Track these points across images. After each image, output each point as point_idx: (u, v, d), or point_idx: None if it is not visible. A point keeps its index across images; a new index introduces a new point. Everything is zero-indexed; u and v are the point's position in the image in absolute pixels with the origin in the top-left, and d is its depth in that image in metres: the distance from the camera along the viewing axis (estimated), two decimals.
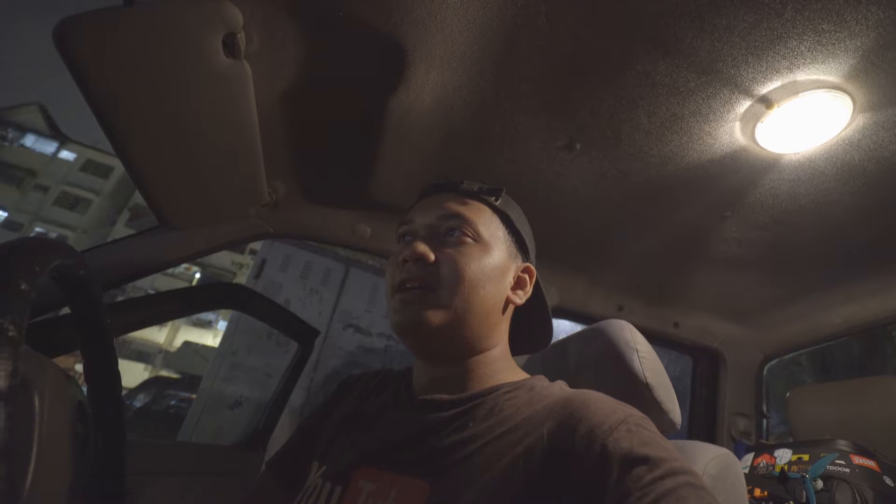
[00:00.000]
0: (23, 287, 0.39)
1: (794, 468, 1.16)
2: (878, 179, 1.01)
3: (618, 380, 0.73)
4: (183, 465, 1.26)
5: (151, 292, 1.45)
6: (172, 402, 7.57)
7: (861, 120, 0.88)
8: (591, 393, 0.55)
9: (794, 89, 0.83)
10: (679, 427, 0.76)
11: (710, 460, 0.67)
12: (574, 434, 0.49)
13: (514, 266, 0.67)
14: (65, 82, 0.68)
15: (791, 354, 1.84)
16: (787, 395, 1.57)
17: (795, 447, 1.23)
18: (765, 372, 1.83)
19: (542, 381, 0.62)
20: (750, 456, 1.33)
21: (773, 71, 0.80)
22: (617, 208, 1.25)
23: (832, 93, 0.82)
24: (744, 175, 1.06)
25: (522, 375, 0.64)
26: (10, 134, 24.09)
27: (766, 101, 0.86)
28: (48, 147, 24.86)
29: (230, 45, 0.73)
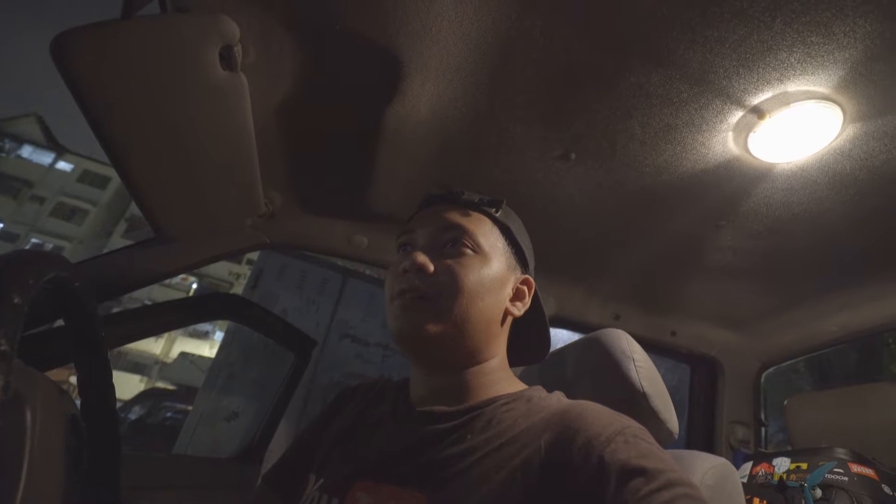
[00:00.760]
0: (16, 301, 0.39)
1: (793, 477, 1.16)
2: (869, 188, 1.02)
3: (615, 389, 0.73)
4: (179, 478, 1.24)
5: (148, 303, 1.44)
6: (168, 414, 7.49)
7: (852, 130, 0.89)
8: (589, 404, 0.55)
9: (785, 100, 0.84)
10: (676, 436, 0.76)
11: (708, 470, 0.67)
12: (571, 446, 0.48)
13: (514, 278, 0.67)
14: (62, 93, 0.68)
15: (788, 362, 1.84)
16: (786, 402, 1.57)
17: (794, 456, 1.23)
18: (762, 380, 1.83)
19: (539, 392, 0.62)
20: (748, 465, 1.32)
21: (764, 82, 0.81)
22: (613, 218, 1.26)
23: (822, 103, 0.83)
24: (737, 184, 1.07)
25: (520, 386, 0.64)
26: (7, 145, 24.10)
27: (758, 112, 0.87)
28: (45, 158, 24.86)
29: (227, 58, 0.74)
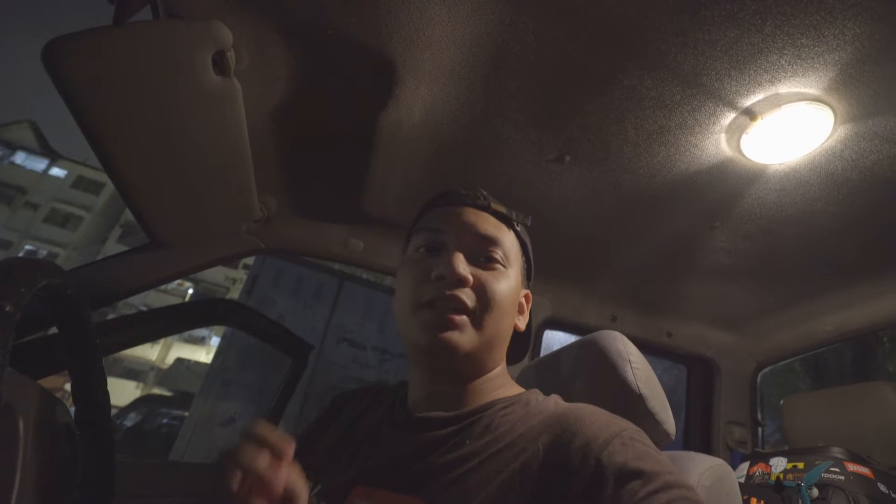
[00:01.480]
0: (7, 309, 0.39)
1: (790, 476, 1.16)
2: (861, 188, 1.03)
3: (611, 391, 0.73)
4: (175, 486, 1.23)
5: (144, 309, 1.43)
6: (164, 421, 7.44)
7: (843, 131, 0.90)
8: (586, 407, 0.55)
9: (776, 102, 0.84)
10: (674, 438, 0.76)
11: (705, 471, 0.67)
12: (569, 448, 0.48)
13: (521, 292, 0.68)
14: (55, 99, 0.68)
15: (784, 362, 1.85)
16: (782, 402, 1.58)
17: (790, 455, 1.23)
18: (758, 380, 1.83)
19: (536, 396, 0.62)
20: (745, 465, 1.33)
21: (756, 84, 0.82)
22: (608, 220, 1.26)
23: (813, 105, 0.84)
24: (731, 185, 1.08)
25: (517, 390, 0.64)
26: (1, 152, 23.96)
27: (750, 113, 0.88)
28: (39, 164, 24.72)
29: (220, 63, 0.74)
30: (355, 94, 0.93)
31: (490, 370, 0.63)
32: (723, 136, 0.94)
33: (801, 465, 1.17)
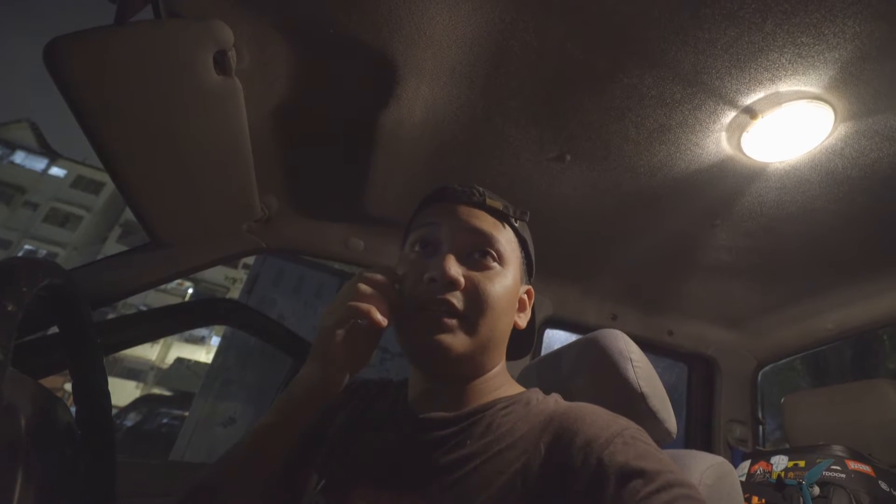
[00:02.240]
0: (9, 308, 0.39)
1: (791, 475, 1.16)
2: (861, 186, 1.03)
3: (612, 390, 0.73)
4: (175, 486, 1.23)
5: (143, 308, 1.43)
6: (164, 421, 7.44)
7: (843, 129, 0.90)
8: (587, 406, 0.55)
9: (777, 100, 0.84)
10: (675, 436, 0.76)
11: (706, 469, 0.67)
12: (570, 448, 0.48)
13: (521, 289, 0.66)
14: (55, 98, 0.68)
15: (784, 360, 1.86)
16: (783, 401, 1.58)
17: (792, 454, 1.23)
18: (759, 378, 1.84)
19: (537, 395, 0.61)
20: (747, 463, 1.33)
21: (756, 82, 0.82)
22: (609, 218, 1.26)
23: (814, 103, 0.84)
24: (731, 184, 1.08)
25: (518, 389, 0.64)
26: (0, 151, 23.95)
27: (751, 112, 0.88)
28: (38, 164, 24.71)
29: (221, 63, 0.74)
30: (356, 93, 0.93)
31: (488, 370, 0.62)
32: (723, 135, 0.94)
33: (802, 464, 1.17)
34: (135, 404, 8.16)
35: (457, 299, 0.56)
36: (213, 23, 0.70)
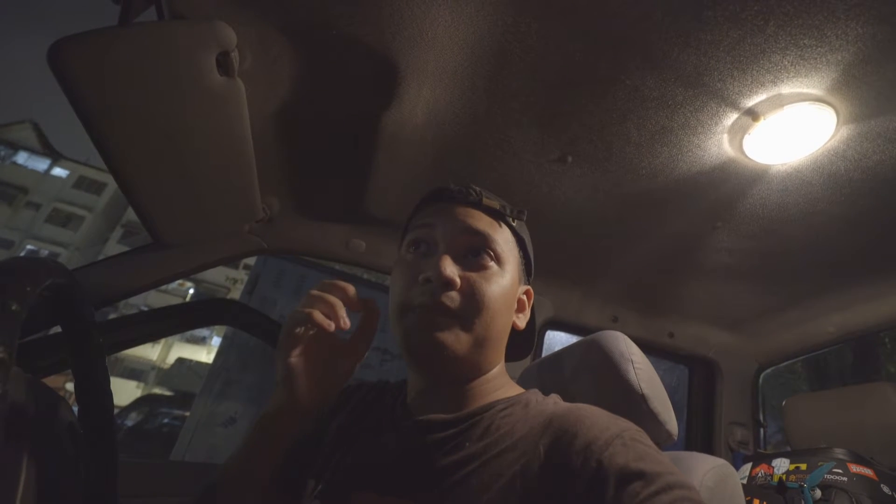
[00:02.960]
0: (13, 308, 0.39)
1: (793, 478, 1.16)
2: (864, 189, 1.03)
3: (613, 391, 0.73)
4: (176, 486, 1.23)
5: (144, 308, 1.43)
6: (165, 421, 7.44)
7: (845, 131, 0.89)
8: (586, 407, 0.55)
9: (779, 102, 0.84)
10: (676, 438, 0.76)
11: (707, 472, 0.67)
12: (570, 450, 0.48)
13: (520, 289, 0.66)
14: (58, 99, 0.68)
15: (786, 363, 1.85)
16: (784, 403, 1.57)
17: (793, 456, 1.23)
18: (760, 381, 1.83)
19: (536, 396, 0.61)
20: (748, 466, 1.32)
21: (759, 84, 0.82)
22: (610, 220, 1.26)
23: (816, 105, 0.84)
24: (733, 186, 1.08)
25: (517, 390, 0.64)
26: (3, 152, 24.01)
27: (753, 114, 0.88)
28: (41, 164, 24.77)
29: (224, 64, 0.74)
30: (358, 94, 0.93)
31: (486, 371, 0.62)
32: (725, 137, 0.94)
33: (803, 467, 1.17)
34: (136, 404, 8.16)
35: (452, 300, 0.56)
36: (216, 24, 0.70)
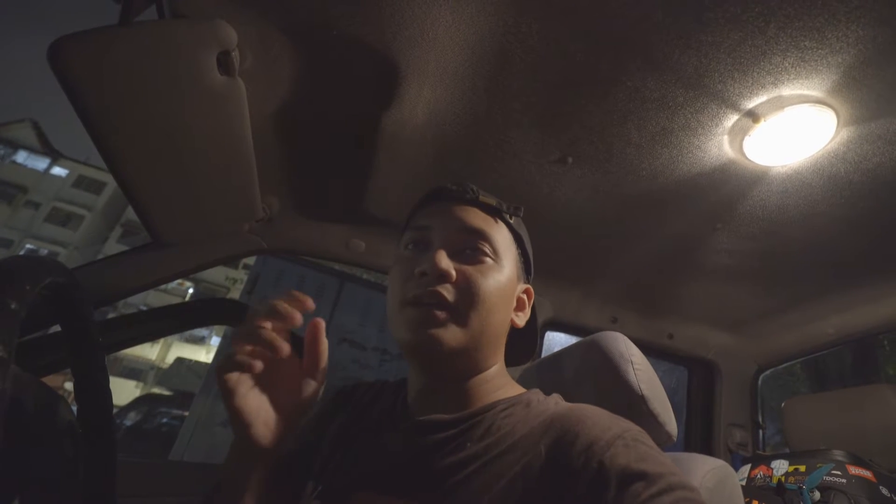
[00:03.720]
0: (13, 307, 0.39)
1: (791, 479, 1.16)
2: (864, 191, 1.03)
3: (613, 392, 0.72)
4: (175, 485, 1.23)
5: (144, 308, 1.43)
6: (164, 420, 7.42)
7: (845, 133, 0.90)
8: (588, 407, 0.55)
9: (779, 104, 0.84)
10: (675, 439, 0.76)
11: (707, 473, 0.67)
12: (571, 450, 0.48)
13: (519, 287, 0.66)
14: (58, 98, 0.68)
15: (785, 364, 1.85)
16: (783, 405, 1.58)
17: (792, 458, 1.23)
18: (759, 382, 1.83)
19: (537, 396, 0.61)
20: (747, 467, 1.32)
21: (759, 86, 0.82)
22: (610, 221, 1.26)
23: (816, 107, 0.84)
24: (733, 187, 1.08)
25: (518, 390, 0.64)
26: (2, 151, 23.99)
27: (753, 115, 0.88)
28: (40, 163, 24.76)
29: (224, 63, 0.74)
30: (359, 94, 0.93)
31: (486, 369, 0.62)
32: (725, 138, 0.94)
33: (802, 468, 1.17)
34: (135, 404, 8.14)
35: (447, 291, 0.56)
36: (217, 23, 0.70)
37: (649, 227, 1.27)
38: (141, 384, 20.79)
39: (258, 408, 0.51)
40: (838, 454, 1.15)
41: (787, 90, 0.82)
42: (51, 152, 24.91)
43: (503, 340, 0.64)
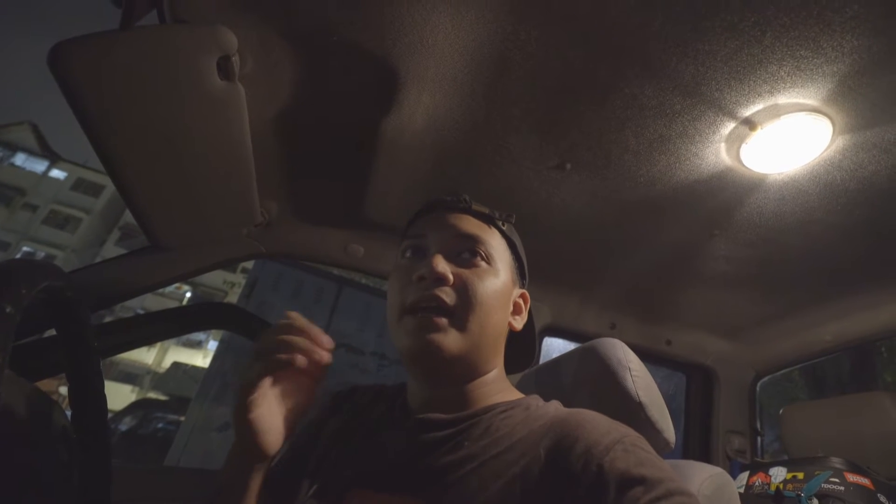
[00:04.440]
0: (8, 310, 0.39)
1: (790, 487, 1.16)
2: (859, 198, 1.04)
3: (611, 399, 0.72)
4: (170, 491, 1.22)
5: (141, 312, 1.42)
6: (160, 426, 7.38)
7: (841, 141, 0.90)
8: (587, 412, 0.55)
9: (775, 112, 0.85)
10: (673, 446, 0.75)
11: (705, 480, 0.67)
12: (570, 454, 0.48)
13: (514, 292, 0.67)
14: (57, 100, 0.68)
15: (783, 371, 1.85)
16: (781, 412, 1.57)
17: (790, 465, 1.23)
18: (758, 389, 1.83)
19: (537, 401, 0.61)
20: (745, 475, 1.32)
21: (755, 94, 0.82)
22: (608, 227, 1.27)
23: (812, 115, 0.84)
24: (730, 194, 1.09)
25: (517, 395, 0.64)
26: (1, 153, 23.97)
27: (750, 123, 0.88)
28: (39, 166, 24.73)
29: (224, 68, 0.74)
30: (358, 100, 0.94)
31: (485, 372, 0.62)
32: (722, 146, 0.95)
33: (800, 476, 1.17)
34: (130, 409, 8.09)
35: (446, 294, 0.57)
36: (217, 28, 0.71)
37: (647, 233, 1.27)
38: (137, 389, 20.66)
39: (268, 416, 0.52)
40: (836, 461, 1.15)
41: (783, 99, 0.82)
42: (49, 154, 24.89)
43: (502, 344, 0.65)
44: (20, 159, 24.49)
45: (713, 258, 1.35)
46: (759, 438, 1.77)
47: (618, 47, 0.78)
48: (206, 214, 1.07)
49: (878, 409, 1.33)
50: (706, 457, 1.72)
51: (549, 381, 0.85)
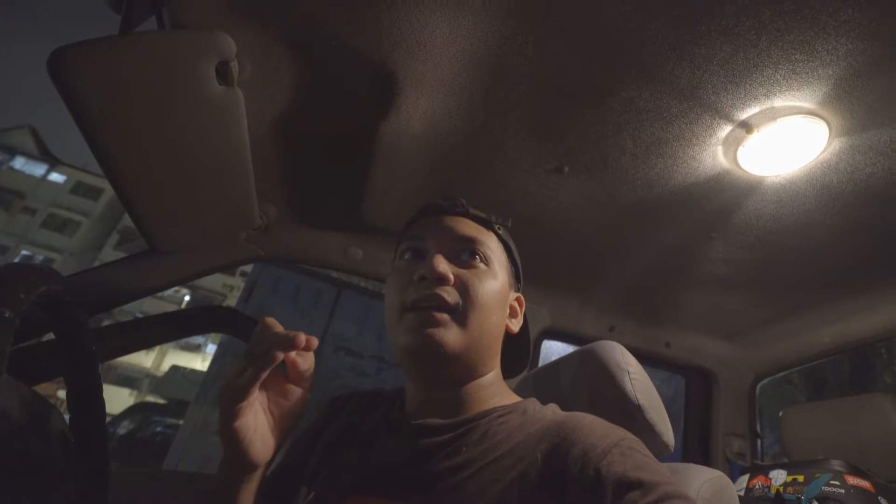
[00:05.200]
0: (6, 315, 0.39)
1: (790, 490, 1.16)
2: (856, 201, 1.04)
3: (610, 402, 0.72)
4: (169, 495, 1.22)
5: (140, 315, 1.42)
6: (158, 429, 7.34)
7: (837, 144, 0.91)
8: (585, 416, 0.55)
9: (771, 115, 0.86)
10: (672, 449, 0.75)
11: (704, 483, 0.66)
12: (568, 457, 0.48)
13: (511, 295, 0.68)
14: (56, 105, 0.69)
15: (782, 373, 1.85)
16: (780, 414, 1.57)
17: (790, 468, 1.22)
18: (757, 391, 1.83)
19: (534, 405, 0.61)
20: (745, 477, 1.32)
21: (752, 97, 0.83)
22: (606, 230, 1.27)
23: (808, 118, 0.85)
24: (728, 197, 1.09)
25: (515, 399, 0.64)
26: (0, 156, 23.97)
27: (746, 126, 0.89)
28: (38, 169, 24.73)
29: (223, 73, 0.75)
30: (356, 104, 0.94)
31: (483, 375, 0.62)
32: (719, 149, 0.95)
33: (800, 478, 1.17)
34: (129, 412, 8.05)
35: (447, 293, 0.58)
36: (216, 34, 0.71)
37: (645, 236, 1.28)
38: (135, 392, 20.59)
39: (254, 424, 0.51)
40: (836, 464, 1.15)
41: (779, 102, 0.83)
42: (49, 158, 24.89)
43: (499, 345, 0.65)
44: (19, 163, 24.49)
45: (711, 260, 1.35)
46: (758, 441, 1.77)
47: (615, 51, 0.78)
48: (204, 218, 1.07)
49: (878, 411, 1.32)
50: (706, 459, 1.71)
51: (548, 383, 0.85)
